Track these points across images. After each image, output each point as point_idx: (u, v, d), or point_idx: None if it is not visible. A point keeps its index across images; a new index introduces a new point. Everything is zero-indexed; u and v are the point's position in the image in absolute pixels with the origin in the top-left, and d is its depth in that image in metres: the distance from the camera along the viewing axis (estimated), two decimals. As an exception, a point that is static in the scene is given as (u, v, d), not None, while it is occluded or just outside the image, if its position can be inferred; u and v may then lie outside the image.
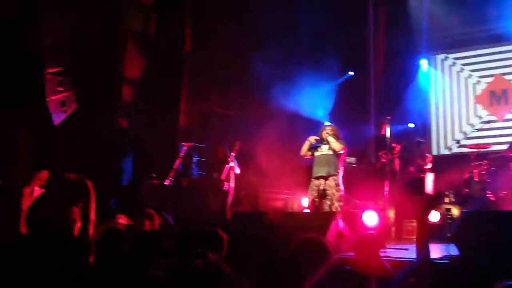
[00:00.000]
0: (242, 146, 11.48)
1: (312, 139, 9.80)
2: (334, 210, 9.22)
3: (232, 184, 11.34)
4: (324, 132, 9.79)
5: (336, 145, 9.64)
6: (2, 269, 3.70)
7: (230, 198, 11.37)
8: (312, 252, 3.70)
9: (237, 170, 11.44)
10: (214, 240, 4.86)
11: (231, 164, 11.25)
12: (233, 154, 11.27)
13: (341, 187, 9.60)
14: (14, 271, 3.75)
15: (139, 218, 6.78)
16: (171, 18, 13.23)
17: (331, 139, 9.62)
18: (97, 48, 11.04)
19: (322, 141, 9.78)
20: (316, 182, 9.57)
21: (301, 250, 3.84)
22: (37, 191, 6.52)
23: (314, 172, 9.66)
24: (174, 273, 3.71)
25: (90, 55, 10.73)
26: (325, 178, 9.51)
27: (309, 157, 9.93)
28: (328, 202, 9.38)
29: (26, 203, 5.73)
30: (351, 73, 14.90)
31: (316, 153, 9.78)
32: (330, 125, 9.99)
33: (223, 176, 11.22)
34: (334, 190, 9.43)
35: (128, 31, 12.37)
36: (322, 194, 9.47)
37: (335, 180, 9.53)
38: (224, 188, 11.30)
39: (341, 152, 9.84)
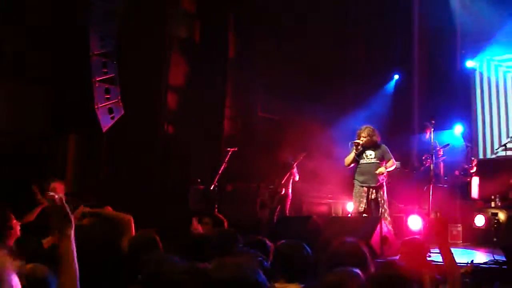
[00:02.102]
0: (307, 156, 11.61)
1: (356, 148, 9.55)
2: (386, 218, 9.15)
3: (289, 190, 11.49)
4: (361, 139, 9.51)
5: (390, 164, 9.48)
6: None
7: (288, 203, 11.51)
8: (350, 256, 3.75)
9: (297, 178, 11.59)
10: (261, 247, 4.89)
11: (294, 170, 11.41)
12: (297, 162, 11.43)
13: (385, 195, 9.49)
14: None
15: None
16: (215, 25, 13.39)
17: (388, 165, 9.42)
18: (142, 56, 11.23)
19: (363, 146, 9.54)
20: (364, 189, 9.39)
21: (339, 254, 3.89)
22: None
23: (362, 180, 9.40)
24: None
25: (136, 62, 10.92)
26: (375, 187, 9.35)
27: (353, 165, 9.72)
28: (382, 210, 9.28)
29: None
30: (396, 76, 14.87)
31: (362, 161, 9.50)
32: (366, 127, 9.69)
33: (283, 181, 11.36)
34: (384, 199, 9.34)
35: (173, 39, 12.55)
36: (373, 203, 9.34)
37: (384, 189, 9.41)
38: (282, 194, 11.43)
39: (393, 167, 9.67)
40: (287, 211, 11.54)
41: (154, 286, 3.13)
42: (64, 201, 3.18)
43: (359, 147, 9.43)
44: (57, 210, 3.16)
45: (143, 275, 3.45)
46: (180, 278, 2.74)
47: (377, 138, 9.52)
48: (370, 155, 9.46)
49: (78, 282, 3.09)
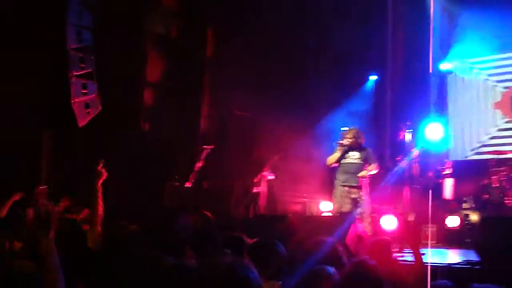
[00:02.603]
0: (282, 158, 11.66)
1: (341, 148, 9.61)
2: (366, 218, 9.22)
3: (263, 189, 11.52)
4: (346, 140, 9.60)
5: (372, 167, 9.56)
6: None
7: (262, 202, 11.54)
8: (326, 255, 3.78)
9: (271, 177, 11.64)
10: (237, 243, 4.90)
11: (267, 171, 11.45)
12: (272, 161, 11.49)
13: (367, 196, 9.54)
14: None
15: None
16: (193, 23, 13.35)
17: (370, 168, 9.51)
18: (120, 52, 11.17)
19: (347, 147, 9.60)
20: (346, 189, 9.45)
21: (316, 253, 3.92)
22: None
23: (344, 180, 9.47)
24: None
25: (113, 58, 10.87)
26: (356, 187, 9.42)
27: (335, 165, 9.79)
28: (362, 210, 9.35)
29: None
30: (372, 77, 14.91)
31: (344, 160, 9.60)
32: (351, 129, 9.79)
33: (256, 180, 11.39)
34: (365, 199, 9.39)
35: (151, 35, 12.50)
36: (354, 203, 9.40)
37: (365, 190, 9.48)
38: (255, 192, 11.46)
39: (375, 171, 9.76)
40: (261, 210, 11.56)
41: (143, 282, 3.13)
42: (53, 208, 3.22)
43: (344, 148, 9.50)
44: (46, 216, 3.18)
45: (128, 270, 3.43)
46: (170, 274, 2.74)
47: (362, 140, 9.63)
48: (354, 155, 9.54)
49: (62, 280, 3.08)
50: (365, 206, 9.39)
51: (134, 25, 11.79)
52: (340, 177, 9.57)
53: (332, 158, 9.66)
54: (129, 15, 11.54)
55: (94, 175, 5.48)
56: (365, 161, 9.58)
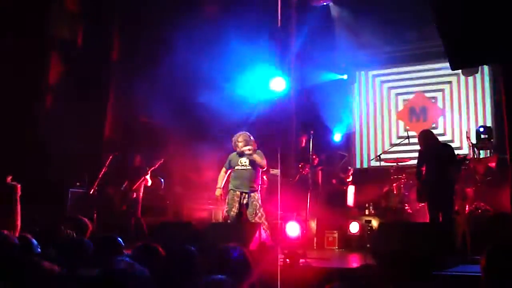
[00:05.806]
0: (163, 164, 11.58)
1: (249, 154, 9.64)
2: (263, 224, 9.22)
3: (141, 194, 11.43)
4: (240, 145, 9.57)
5: (262, 162, 9.54)
6: None
7: (139, 207, 11.42)
8: (233, 262, 3.79)
9: (149, 183, 11.55)
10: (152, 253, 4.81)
11: (147, 176, 11.36)
12: (152, 168, 11.40)
13: (260, 201, 9.55)
14: None
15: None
16: (99, 27, 13.12)
17: (256, 157, 9.52)
18: (21, 56, 10.86)
19: (239, 153, 9.60)
20: (237, 193, 9.47)
21: (223, 260, 3.92)
22: None
23: (235, 185, 9.45)
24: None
25: (13, 62, 10.56)
26: (248, 193, 9.45)
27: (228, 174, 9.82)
28: (258, 214, 9.35)
29: None
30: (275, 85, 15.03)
31: (237, 167, 9.63)
32: (241, 134, 9.78)
33: (135, 186, 11.29)
34: (257, 205, 9.39)
35: (54, 39, 12.20)
36: (247, 208, 9.42)
37: (257, 195, 9.49)
38: (133, 197, 11.34)
39: (265, 168, 9.80)
40: (139, 215, 11.45)
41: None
42: None
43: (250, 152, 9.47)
44: None
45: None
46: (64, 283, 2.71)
47: (253, 143, 9.60)
48: (245, 162, 9.53)
49: None
50: (260, 211, 9.39)
51: (37, 28, 11.48)
52: (232, 182, 9.60)
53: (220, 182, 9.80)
54: (32, 17, 11.23)
55: (8, 189, 5.26)
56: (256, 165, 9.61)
